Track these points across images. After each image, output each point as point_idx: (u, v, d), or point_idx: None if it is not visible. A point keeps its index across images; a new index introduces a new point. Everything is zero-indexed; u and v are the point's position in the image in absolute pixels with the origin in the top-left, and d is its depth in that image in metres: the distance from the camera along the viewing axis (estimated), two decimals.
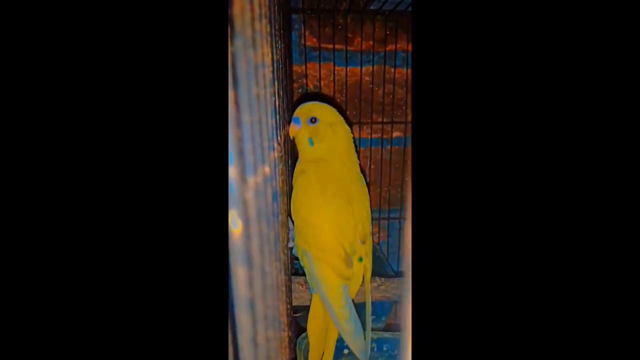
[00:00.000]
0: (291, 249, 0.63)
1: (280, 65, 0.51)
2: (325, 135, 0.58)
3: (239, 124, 0.18)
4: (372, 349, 0.62)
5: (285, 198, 0.55)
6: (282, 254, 0.45)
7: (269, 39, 0.35)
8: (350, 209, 0.56)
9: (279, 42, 0.48)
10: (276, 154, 0.39)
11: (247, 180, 0.21)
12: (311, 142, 0.59)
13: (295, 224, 0.59)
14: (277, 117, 0.44)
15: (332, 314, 0.55)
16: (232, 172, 0.18)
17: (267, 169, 0.29)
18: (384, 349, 0.62)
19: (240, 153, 0.19)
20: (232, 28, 0.19)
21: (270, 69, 0.36)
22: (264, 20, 0.31)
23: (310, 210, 0.56)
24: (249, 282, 0.20)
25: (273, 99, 0.38)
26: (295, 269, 0.77)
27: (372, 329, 0.69)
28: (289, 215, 0.59)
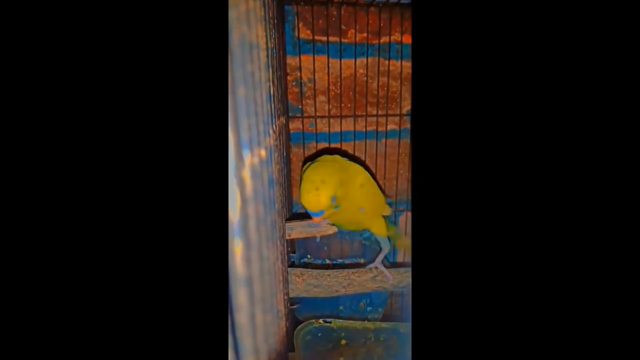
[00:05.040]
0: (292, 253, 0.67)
1: (275, 55, 0.50)
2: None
3: (233, 96, 0.18)
4: (369, 339, 0.62)
5: (281, 188, 0.55)
6: (278, 244, 0.45)
7: (263, 23, 0.34)
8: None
9: (273, 31, 0.47)
10: (271, 141, 0.39)
11: (243, 158, 0.20)
12: None
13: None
14: (272, 105, 0.43)
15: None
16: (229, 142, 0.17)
17: (262, 152, 0.29)
18: (381, 338, 0.62)
19: (235, 128, 0.18)
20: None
21: (265, 53, 0.36)
22: (257, 2, 0.30)
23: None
24: (247, 260, 0.20)
25: (268, 84, 0.38)
26: (291, 261, 0.77)
27: (369, 319, 0.69)
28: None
